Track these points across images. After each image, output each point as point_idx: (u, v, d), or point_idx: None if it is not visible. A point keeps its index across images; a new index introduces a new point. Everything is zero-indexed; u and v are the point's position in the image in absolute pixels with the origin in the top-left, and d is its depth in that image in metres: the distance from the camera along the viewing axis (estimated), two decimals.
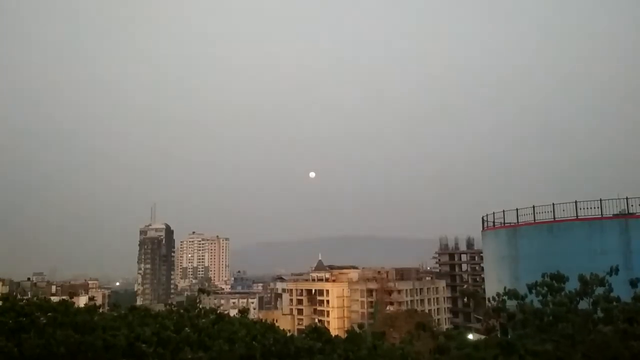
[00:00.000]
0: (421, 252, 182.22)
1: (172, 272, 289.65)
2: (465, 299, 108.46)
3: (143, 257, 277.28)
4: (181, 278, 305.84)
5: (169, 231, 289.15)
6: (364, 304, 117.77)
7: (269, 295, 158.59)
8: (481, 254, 49.26)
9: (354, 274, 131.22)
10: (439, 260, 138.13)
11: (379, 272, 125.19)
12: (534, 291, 8.81)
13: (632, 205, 30.79)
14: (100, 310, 17.39)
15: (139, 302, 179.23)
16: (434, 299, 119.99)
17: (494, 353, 7.88)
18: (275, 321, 23.47)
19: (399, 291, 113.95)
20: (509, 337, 8.63)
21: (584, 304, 8.39)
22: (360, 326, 13.69)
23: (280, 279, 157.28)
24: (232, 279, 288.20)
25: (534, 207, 33.86)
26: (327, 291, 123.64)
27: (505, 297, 9.00)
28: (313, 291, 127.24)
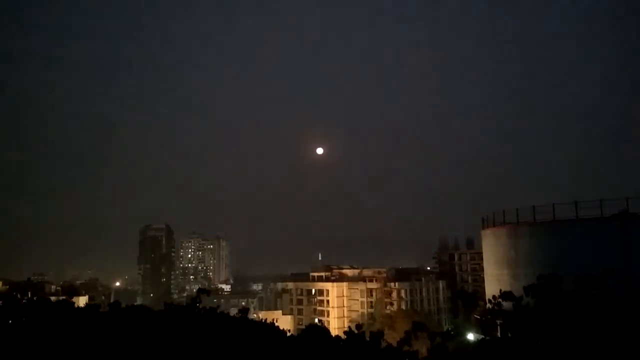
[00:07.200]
0: (421, 252, 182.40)
1: (172, 272, 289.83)
2: (460, 301, 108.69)
3: (143, 257, 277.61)
4: (181, 278, 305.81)
5: (169, 231, 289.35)
6: (364, 304, 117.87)
7: (269, 295, 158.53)
8: (481, 254, 49.30)
9: (353, 274, 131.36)
10: (439, 260, 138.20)
11: (379, 272, 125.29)
12: (530, 293, 8.86)
13: (632, 205, 30.88)
14: (100, 310, 17.45)
15: (139, 302, 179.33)
16: (434, 299, 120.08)
17: (490, 353, 7.94)
18: (275, 321, 23.61)
19: (399, 291, 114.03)
20: (506, 337, 8.68)
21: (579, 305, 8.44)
22: (359, 327, 13.71)
23: (280, 278, 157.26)
24: (232, 279, 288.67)
25: (534, 207, 33.96)
26: (327, 291, 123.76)
27: (501, 300, 9.05)
28: (313, 291, 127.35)
